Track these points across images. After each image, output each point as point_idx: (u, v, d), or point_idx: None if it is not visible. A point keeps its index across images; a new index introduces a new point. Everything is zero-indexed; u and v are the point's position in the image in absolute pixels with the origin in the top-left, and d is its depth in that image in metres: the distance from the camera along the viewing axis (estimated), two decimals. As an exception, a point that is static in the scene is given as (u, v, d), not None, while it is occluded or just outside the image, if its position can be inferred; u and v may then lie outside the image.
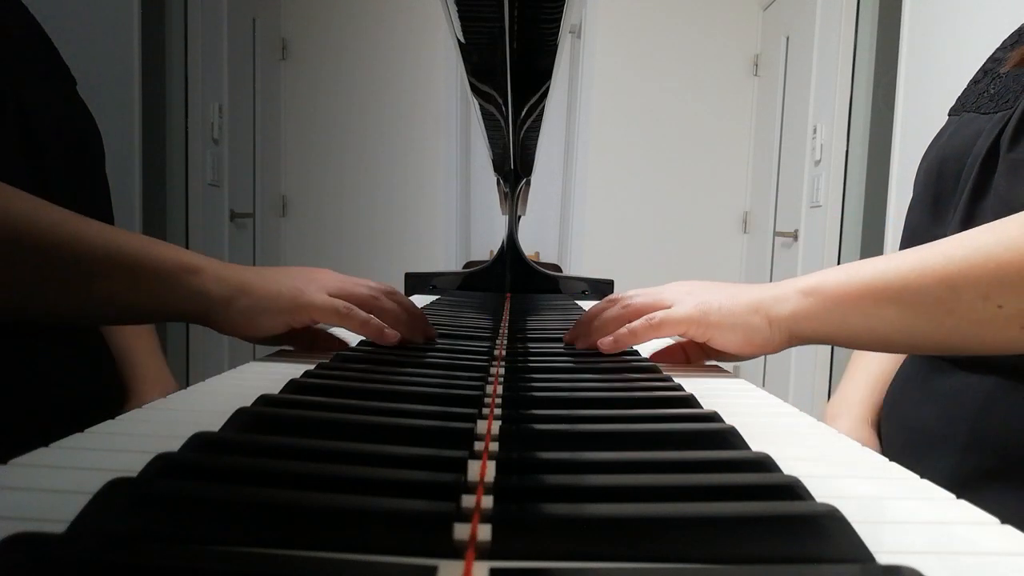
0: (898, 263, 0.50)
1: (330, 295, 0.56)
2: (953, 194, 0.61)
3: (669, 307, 0.58)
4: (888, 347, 0.54)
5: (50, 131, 0.62)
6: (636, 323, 0.58)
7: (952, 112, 0.68)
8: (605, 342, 0.59)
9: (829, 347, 2.45)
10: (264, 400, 0.38)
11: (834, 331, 0.53)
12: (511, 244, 1.31)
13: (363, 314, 0.56)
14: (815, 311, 0.52)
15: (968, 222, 0.58)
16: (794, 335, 0.54)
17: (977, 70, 0.67)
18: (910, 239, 0.68)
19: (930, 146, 0.68)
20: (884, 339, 0.52)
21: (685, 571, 0.22)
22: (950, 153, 0.62)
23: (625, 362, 0.58)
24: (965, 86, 0.68)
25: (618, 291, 1.38)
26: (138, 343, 0.75)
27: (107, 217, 0.72)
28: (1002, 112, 0.58)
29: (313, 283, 0.56)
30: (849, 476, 0.33)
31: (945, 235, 0.62)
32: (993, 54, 0.67)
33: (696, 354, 0.62)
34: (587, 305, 1.20)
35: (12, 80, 0.60)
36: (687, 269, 3.20)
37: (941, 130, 0.68)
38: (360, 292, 0.58)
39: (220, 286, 0.52)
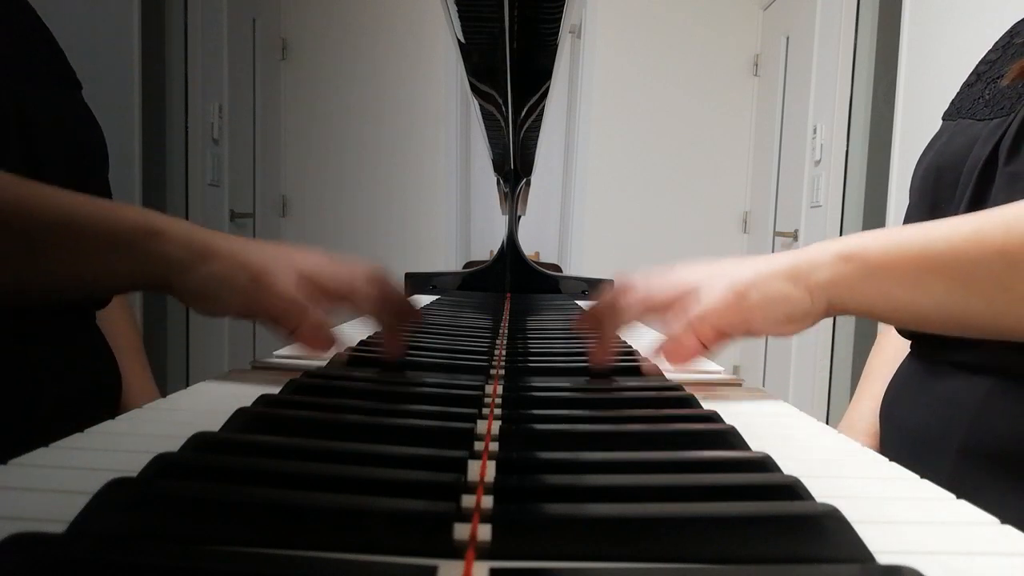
0: (949, 231, 0.45)
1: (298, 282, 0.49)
2: (951, 203, 0.60)
3: (697, 296, 0.49)
4: (931, 324, 0.49)
5: (50, 137, 0.60)
6: (680, 331, 0.50)
7: (946, 117, 0.67)
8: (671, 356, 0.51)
9: (829, 346, 2.45)
10: (264, 400, 0.38)
11: (874, 303, 0.48)
12: (511, 244, 1.31)
13: (309, 320, 0.49)
14: (855, 279, 0.47)
15: None
16: (832, 305, 0.49)
17: (970, 73, 0.67)
18: None
19: (924, 152, 0.67)
20: (928, 315, 0.47)
21: (685, 571, 0.22)
22: (946, 161, 0.61)
23: (626, 362, 0.58)
24: (958, 89, 0.68)
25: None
26: (124, 355, 0.73)
27: None
28: (998, 119, 0.57)
29: (284, 264, 0.49)
30: (849, 476, 0.33)
31: None
32: (985, 56, 0.66)
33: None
34: (587, 305, 1.20)
35: (11, 83, 0.57)
36: (687, 269, 3.19)
37: (935, 136, 0.67)
38: (331, 285, 0.51)
39: (183, 250, 0.47)
